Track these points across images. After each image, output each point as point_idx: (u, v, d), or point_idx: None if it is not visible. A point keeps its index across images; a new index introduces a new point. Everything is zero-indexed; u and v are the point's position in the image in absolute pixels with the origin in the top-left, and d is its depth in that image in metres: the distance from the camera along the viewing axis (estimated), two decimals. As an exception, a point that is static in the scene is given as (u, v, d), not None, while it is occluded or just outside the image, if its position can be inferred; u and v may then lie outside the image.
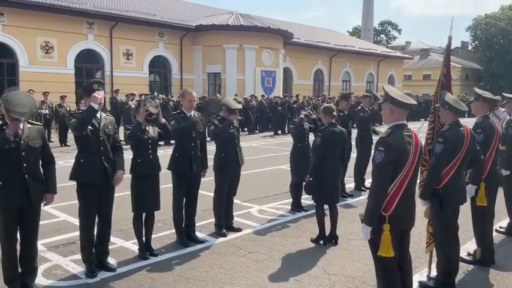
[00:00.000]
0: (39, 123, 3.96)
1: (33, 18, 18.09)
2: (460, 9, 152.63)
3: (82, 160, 4.11)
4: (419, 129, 8.90)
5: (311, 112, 6.39)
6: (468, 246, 4.87)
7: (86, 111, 4.04)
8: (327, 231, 5.10)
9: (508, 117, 5.63)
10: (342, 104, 7.80)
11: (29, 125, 3.71)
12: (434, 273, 4.07)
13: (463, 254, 4.45)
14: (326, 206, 5.17)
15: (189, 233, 5.12)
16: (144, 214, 4.69)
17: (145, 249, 4.68)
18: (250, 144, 14.12)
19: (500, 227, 5.50)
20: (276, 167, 9.82)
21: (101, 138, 4.13)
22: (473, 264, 4.46)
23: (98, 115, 4.15)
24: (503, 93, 6.18)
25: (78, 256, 4.45)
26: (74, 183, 4.16)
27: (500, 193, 4.96)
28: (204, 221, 5.73)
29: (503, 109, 9.78)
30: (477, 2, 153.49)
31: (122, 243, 5.03)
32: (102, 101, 4.02)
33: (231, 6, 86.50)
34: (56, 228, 5.49)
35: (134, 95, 15.93)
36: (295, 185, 6.44)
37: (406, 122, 3.14)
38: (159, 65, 23.46)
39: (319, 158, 5.01)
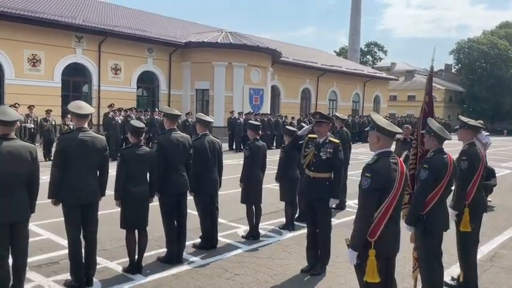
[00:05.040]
0: (29, 141, 3.99)
1: (21, 30, 17.98)
2: (444, 33, 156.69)
3: (66, 180, 4.12)
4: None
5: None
6: (452, 270, 4.93)
7: None
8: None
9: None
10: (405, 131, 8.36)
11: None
12: (419, 298, 4.10)
13: (447, 278, 4.50)
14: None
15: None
16: (136, 231, 4.69)
17: (135, 267, 4.66)
18: (238, 161, 14.10)
19: None
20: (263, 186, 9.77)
21: (88, 158, 4.17)
22: (457, 289, 4.50)
23: (87, 135, 4.18)
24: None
25: (61, 277, 4.40)
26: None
27: (485, 218, 5.03)
28: (190, 241, 5.69)
29: (487, 133, 10.02)
30: (461, 27, 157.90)
31: (106, 263, 4.96)
32: None
33: (220, 24, 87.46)
34: (39, 247, 5.38)
35: (121, 110, 15.80)
36: (291, 204, 6.57)
37: (391, 150, 3.21)
38: (147, 80, 23.45)
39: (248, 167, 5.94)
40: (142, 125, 4.89)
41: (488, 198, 8.16)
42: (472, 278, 4.50)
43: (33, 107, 14.41)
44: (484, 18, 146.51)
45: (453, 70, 58.09)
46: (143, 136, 4.83)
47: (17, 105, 13.53)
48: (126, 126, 8.85)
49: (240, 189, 6.10)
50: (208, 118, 5.68)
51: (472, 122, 4.63)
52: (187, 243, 5.37)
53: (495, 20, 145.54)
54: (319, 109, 30.96)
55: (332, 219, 7.21)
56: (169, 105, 21.48)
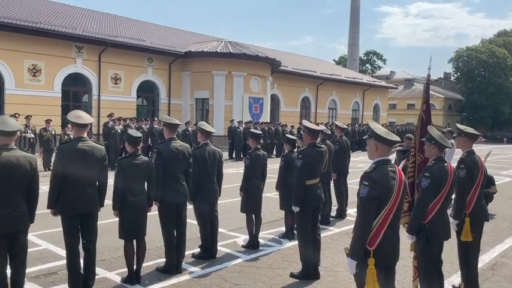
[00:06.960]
0: (29, 152, 4.00)
1: (21, 41, 18.08)
2: (443, 42, 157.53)
3: (65, 190, 4.12)
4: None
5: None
6: (453, 279, 4.90)
7: None
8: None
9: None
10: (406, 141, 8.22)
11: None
12: (419, 307, 4.06)
13: (447, 287, 4.47)
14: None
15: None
16: (135, 241, 4.66)
17: (134, 277, 4.62)
18: (238, 170, 14.10)
19: None
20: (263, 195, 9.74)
21: (86, 168, 4.15)
22: (458, 298, 4.47)
23: (86, 144, 4.18)
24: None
25: (59, 287, 4.37)
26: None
27: (486, 226, 5.01)
28: (190, 251, 5.66)
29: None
30: (459, 36, 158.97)
31: (105, 273, 4.92)
32: None
33: (219, 34, 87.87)
34: (37, 257, 5.35)
35: (121, 119, 15.79)
36: (290, 213, 6.55)
37: (390, 158, 3.21)
38: (147, 90, 23.53)
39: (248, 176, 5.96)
40: (139, 134, 4.84)
41: (488, 206, 8.14)
42: (473, 287, 4.47)
43: (31, 116, 14.38)
44: (482, 27, 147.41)
45: (452, 78, 58.30)
46: (140, 145, 4.81)
47: (17, 115, 13.53)
48: (124, 135, 8.83)
49: (240, 198, 6.09)
50: (210, 128, 5.66)
51: (468, 129, 4.61)
52: (186, 252, 5.35)
53: (493, 28, 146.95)
54: (319, 118, 31.09)
55: (332, 228, 7.24)
56: (169, 115, 21.47)
